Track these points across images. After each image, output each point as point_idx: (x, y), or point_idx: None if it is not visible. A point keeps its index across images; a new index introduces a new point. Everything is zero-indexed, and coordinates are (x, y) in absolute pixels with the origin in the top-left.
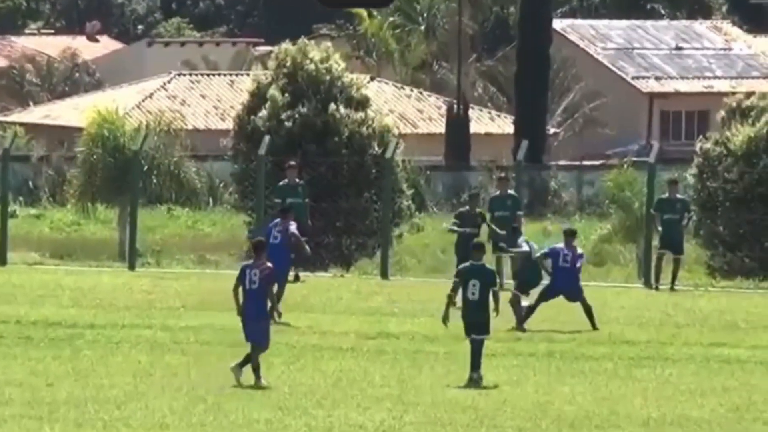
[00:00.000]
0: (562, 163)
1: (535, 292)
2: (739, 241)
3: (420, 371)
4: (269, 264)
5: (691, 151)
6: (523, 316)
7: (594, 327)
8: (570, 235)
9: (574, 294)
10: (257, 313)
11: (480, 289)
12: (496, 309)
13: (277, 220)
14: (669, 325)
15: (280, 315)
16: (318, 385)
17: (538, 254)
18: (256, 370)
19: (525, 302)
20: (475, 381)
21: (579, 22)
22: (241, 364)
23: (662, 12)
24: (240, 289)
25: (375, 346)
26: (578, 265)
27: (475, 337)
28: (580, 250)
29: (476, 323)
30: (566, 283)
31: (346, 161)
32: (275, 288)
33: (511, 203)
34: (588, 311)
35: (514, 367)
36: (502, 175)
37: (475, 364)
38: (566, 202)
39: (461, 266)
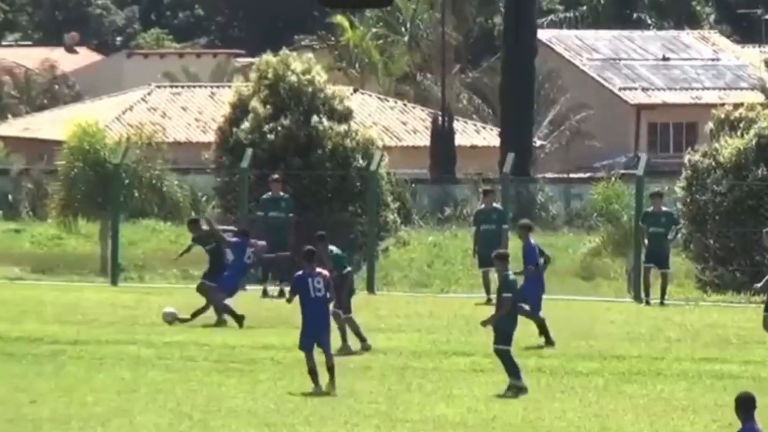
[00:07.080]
0: (549, 175)
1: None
2: (730, 254)
3: (408, 388)
4: None
5: (679, 163)
6: None
7: None
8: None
9: None
10: None
11: None
12: None
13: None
14: (660, 340)
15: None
16: (305, 401)
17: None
18: None
19: None
20: None
21: (565, 32)
22: None
23: (649, 22)
24: None
25: (361, 362)
26: None
27: None
28: None
29: None
30: None
31: (330, 174)
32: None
33: (497, 217)
34: None
35: (503, 383)
36: (488, 188)
37: None
38: (554, 216)
39: None
